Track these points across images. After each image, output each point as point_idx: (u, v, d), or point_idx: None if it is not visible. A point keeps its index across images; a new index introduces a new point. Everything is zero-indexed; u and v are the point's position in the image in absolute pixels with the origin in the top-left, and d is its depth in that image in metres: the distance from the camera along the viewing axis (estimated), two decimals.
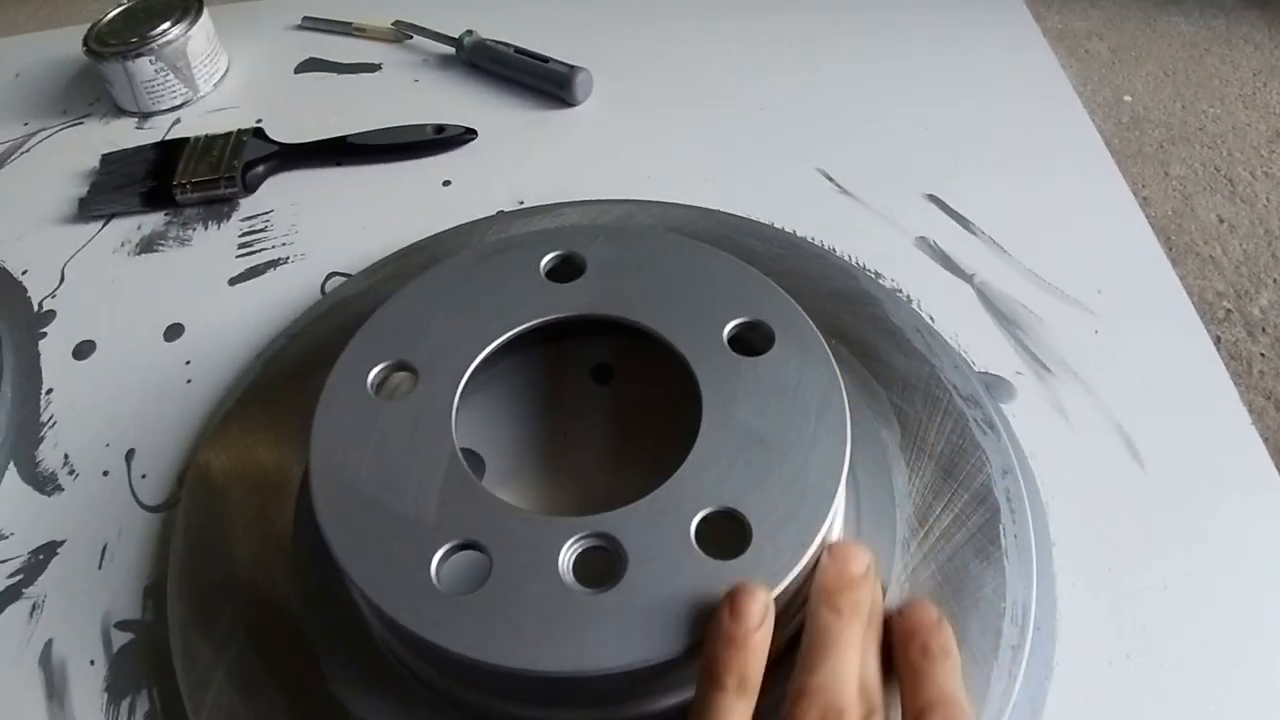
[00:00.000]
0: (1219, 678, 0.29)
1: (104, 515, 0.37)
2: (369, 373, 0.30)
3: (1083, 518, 0.33)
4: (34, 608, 0.34)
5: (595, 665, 0.24)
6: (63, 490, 0.38)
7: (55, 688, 0.32)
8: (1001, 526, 0.31)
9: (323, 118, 0.51)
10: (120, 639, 0.33)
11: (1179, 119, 0.47)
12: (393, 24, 0.55)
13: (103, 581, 0.34)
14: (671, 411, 0.35)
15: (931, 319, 0.38)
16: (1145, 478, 0.34)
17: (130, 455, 0.38)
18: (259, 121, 0.51)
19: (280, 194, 0.48)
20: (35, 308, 0.45)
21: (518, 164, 0.47)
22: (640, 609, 0.25)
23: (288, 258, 0.44)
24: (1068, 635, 0.30)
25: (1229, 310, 0.40)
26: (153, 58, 0.51)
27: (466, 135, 0.48)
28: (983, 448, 0.33)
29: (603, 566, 0.26)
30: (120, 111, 0.55)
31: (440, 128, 0.47)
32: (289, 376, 0.37)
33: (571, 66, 0.48)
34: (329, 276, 0.43)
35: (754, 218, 0.42)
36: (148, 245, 0.46)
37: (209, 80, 0.54)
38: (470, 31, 0.52)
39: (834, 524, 0.27)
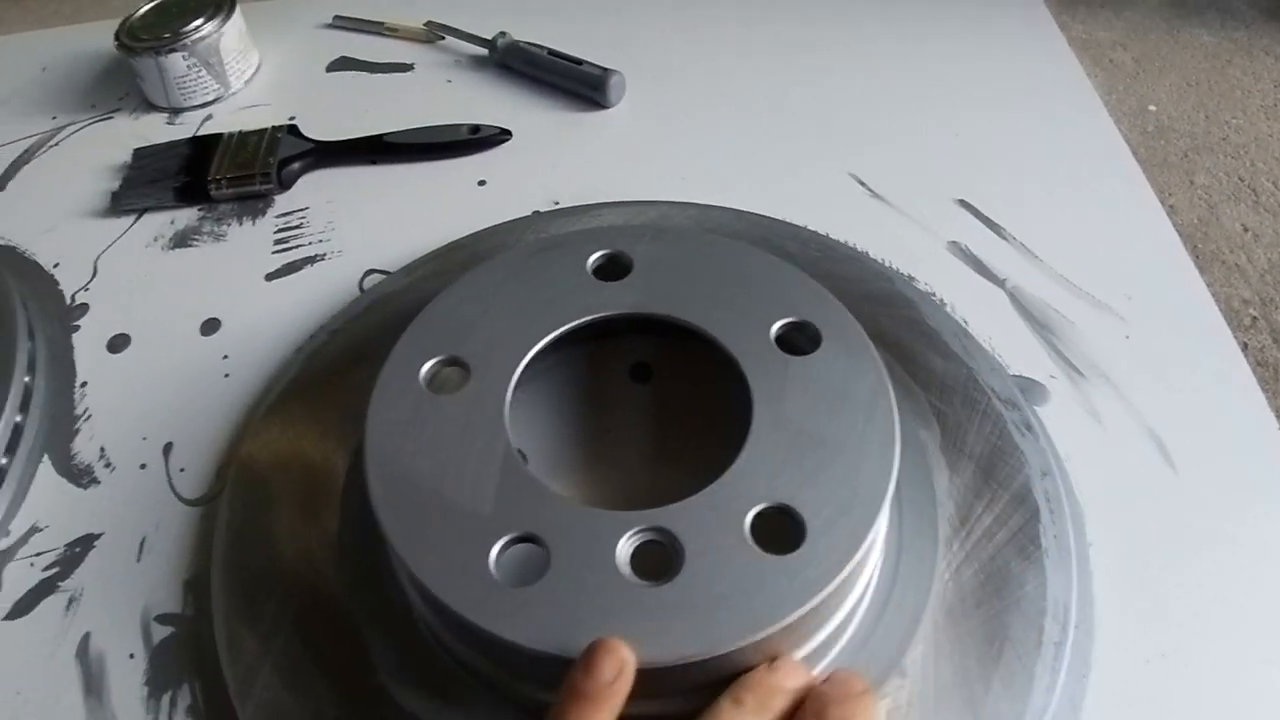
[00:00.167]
0: (1251, 676, 0.29)
1: (142, 508, 0.37)
2: (421, 367, 0.30)
3: (1117, 519, 0.33)
4: (71, 601, 0.34)
5: (656, 657, 0.24)
6: (99, 483, 0.38)
7: (93, 681, 0.32)
8: (1041, 527, 0.32)
9: (355, 116, 0.51)
10: (160, 632, 0.33)
11: (1203, 129, 0.48)
12: (425, 24, 0.55)
13: (141, 575, 0.35)
14: (712, 410, 0.35)
15: (965, 323, 0.38)
16: (1177, 480, 0.34)
17: (168, 449, 0.38)
18: (292, 119, 0.51)
19: (316, 191, 0.48)
20: (68, 300, 0.45)
21: (551, 165, 0.48)
22: (698, 603, 0.25)
23: (325, 254, 0.45)
24: (1104, 634, 0.30)
25: (1255, 318, 0.41)
26: (186, 53, 0.52)
27: (501, 136, 0.48)
28: (1021, 449, 0.33)
29: (659, 560, 0.26)
30: (150, 106, 0.55)
31: (475, 128, 0.47)
32: (331, 371, 0.37)
33: (605, 69, 0.49)
34: (367, 273, 0.43)
35: (788, 221, 0.42)
36: (182, 240, 0.47)
37: (240, 77, 0.54)
38: (504, 33, 0.52)
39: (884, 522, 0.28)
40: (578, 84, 0.49)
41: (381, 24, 0.56)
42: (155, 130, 0.54)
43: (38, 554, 0.36)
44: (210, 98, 0.54)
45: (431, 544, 0.27)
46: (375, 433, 0.29)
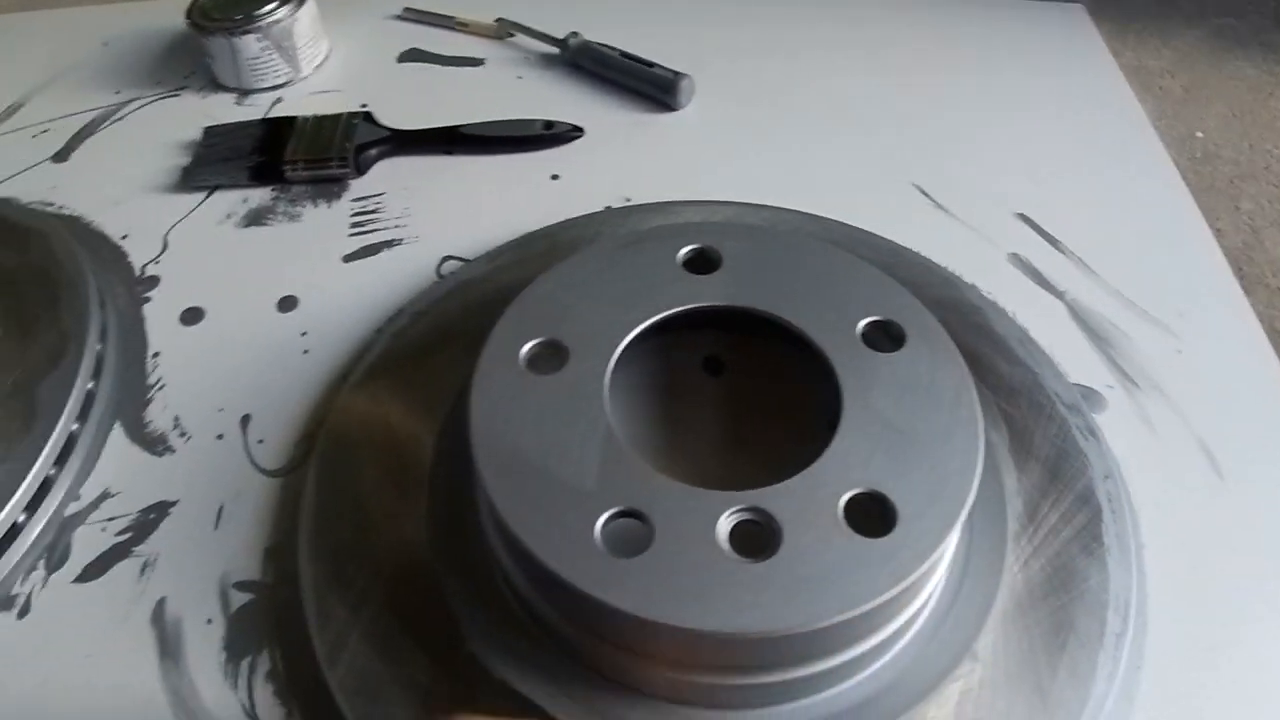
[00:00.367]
0: None
1: (219, 478, 0.37)
2: (521, 348, 0.32)
3: (1168, 522, 0.35)
4: (145, 566, 0.35)
5: (757, 628, 0.26)
6: (174, 451, 0.39)
7: (169, 645, 0.33)
8: (1104, 526, 0.33)
9: (427, 107, 0.52)
10: (239, 599, 0.34)
11: (1247, 157, 0.49)
12: (495, 21, 0.56)
13: (219, 542, 0.35)
14: (783, 403, 0.37)
15: (1026, 331, 0.40)
16: (1225, 488, 0.36)
17: (246, 420, 0.39)
18: (364, 106, 0.52)
19: (391, 178, 0.49)
20: (137, 272, 0.46)
21: (622, 163, 0.49)
22: (795, 579, 0.26)
23: (401, 239, 0.46)
24: (1156, 629, 0.32)
25: None
26: (259, 35, 0.53)
27: (573, 133, 0.49)
28: (1085, 453, 0.35)
29: (756, 538, 0.28)
30: (218, 86, 0.56)
31: (549, 124, 0.49)
32: (417, 351, 0.38)
33: (676, 72, 0.50)
34: (444, 260, 0.44)
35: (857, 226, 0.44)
36: (255, 219, 0.48)
37: (310, 63, 0.56)
38: (575, 33, 0.54)
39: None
40: (648, 86, 0.51)
41: (452, 18, 0.57)
42: (224, 110, 0.55)
43: (109, 519, 0.37)
44: (280, 81, 0.55)
45: (539, 516, 0.28)
46: (479, 409, 0.30)
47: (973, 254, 0.43)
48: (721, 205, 0.44)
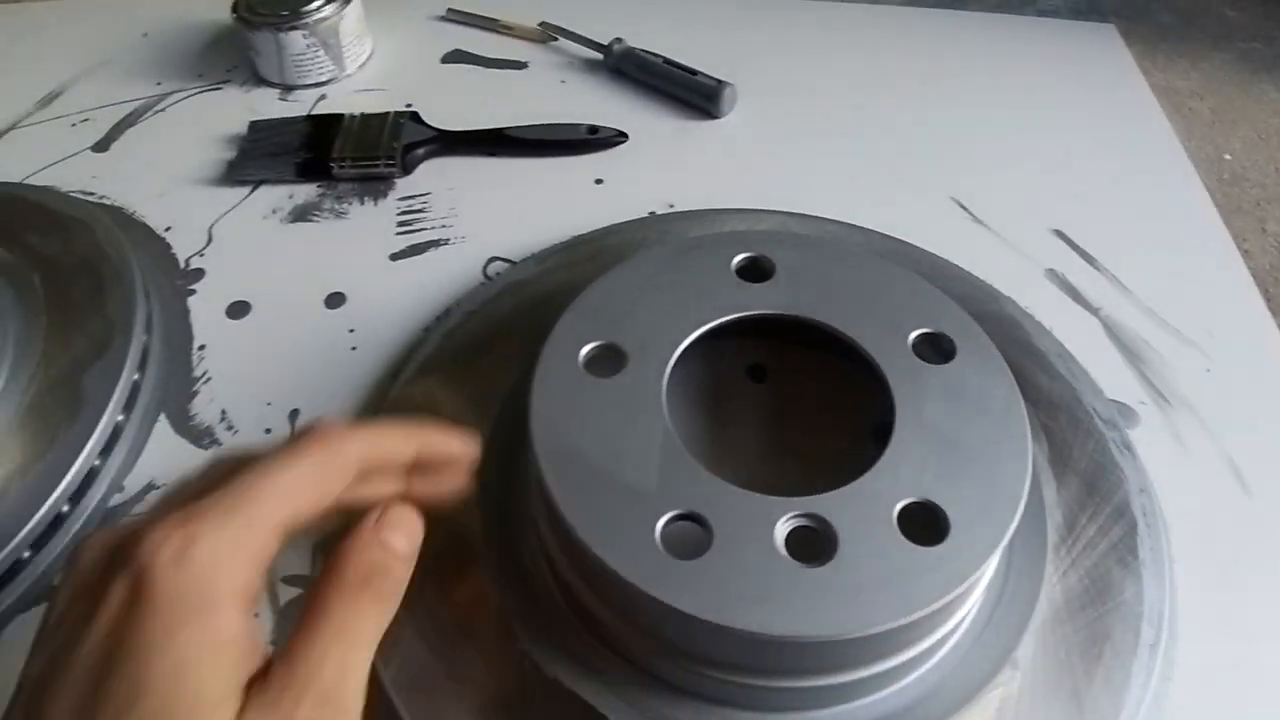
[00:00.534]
0: None
1: None
2: (580, 350, 0.32)
3: (1198, 537, 0.36)
4: None
5: (815, 632, 0.26)
6: (220, 444, 0.39)
7: None
8: (1139, 539, 0.34)
9: (469, 108, 0.53)
10: (288, 593, 0.34)
11: (1274, 180, 0.50)
12: (539, 25, 0.57)
13: None
14: (827, 410, 0.38)
15: (1064, 346, 0.41)
16: (1252, 505, 0.37)
17: (294, 415, 0.40)
18: (408, 106, 0.53)
19: (437, 177, 0.50)
20: (181, 264, 0.47)
21: (665, 169, 0.50)
22: (852, 585, 0.27)
23: (448, 239, 0.46)
24: (1186, 641, 0.33)
25: None
26: (306, 31, 0.53)
27: (618, 138, 0.50)
28: (1121, 467, 0.36)
29: (812, 544, 0.28)
30: (261, 81, 0.57)
31: (594, 128, 0.49)
32: (468, 351, 0.39)
33: (719, 81, 0.51)
34: (490, 260, 0.45)
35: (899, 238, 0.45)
36: (301, 214, 0.48)
37: (355, 61, 0.56)
38: (619, 39, 0.54)
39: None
40: (691, 93, 0.52)
41: (495, 20, 0.58)
42: (267, 105, 0.55)
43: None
44: (324, 78, 0.56)
45: (599, 517, 0.28)
46: (540, 409, 0.31)
47: (1011, 269, 0.44)
48: (766, 214, 0.45)
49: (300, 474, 0.23)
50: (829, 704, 0.30)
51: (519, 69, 0.57)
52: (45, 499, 0.35)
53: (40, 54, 0.61)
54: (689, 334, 0.33)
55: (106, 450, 0.38)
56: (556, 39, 0.57)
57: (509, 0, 0.61)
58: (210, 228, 0.48)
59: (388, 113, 0.51)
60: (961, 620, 0.31)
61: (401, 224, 0.47)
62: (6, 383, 0.39)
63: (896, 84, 0.56)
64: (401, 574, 0.24)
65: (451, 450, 0.28)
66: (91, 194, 0.51)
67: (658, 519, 0.28)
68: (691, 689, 0.30)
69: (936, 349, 0.33)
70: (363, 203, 0.49)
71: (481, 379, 0.38)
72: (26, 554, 0.35)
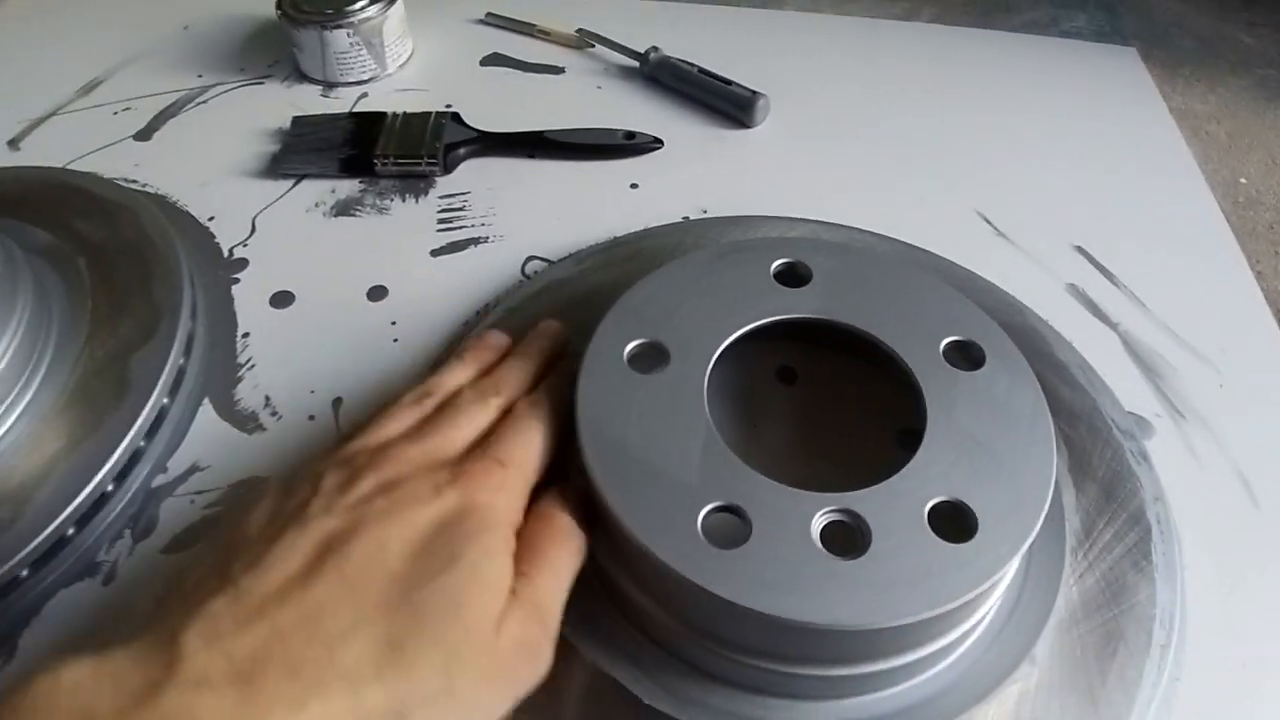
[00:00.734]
0: None
1: (311, 457, 0.39)
2: (625, 347, 0.34)
3: (1207, 545, 0.37)
4: None
5: (849, 622, 0.28)
6: (264, 430, 0.40)
7: None
8: (1153, 545, 0.36)
9: (508, 111, 0.54)
10: None
11: None
12: (576, 31, 0.58)
13: None
14: (855, 413, 0.39)
15: (1085, 358, 0.42)
16: (1259, 515, 0.38)
17: (338, 403, 0.41)
18: (448, 106, 0.54)
19: (476, 177, 0.51)
20: (225, 254, 0.48)
21: (698, 175, 0.51)
22: (884, 578, 0.28)
23: (487, 237, 0.48)
24: (1194, 644, 0.34)
25: None
26: (350, 30, 0.55)
27: (653, 144, 0.51)
28: (1137, 476, 0.37)
29: (847, 538, 0.30)
30: (303, 77, 0.58)
31: (630, 134, 0.51)
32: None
33: (753, 91, 0.52)
34: (528, 259, 0.46)
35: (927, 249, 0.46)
36: (344, 209, 0.50)
37: (396, 61, 0.58)
38: (655, 48, 0.56)
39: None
40: (725, 102, 0.53)
41: (533, 26, 0.59)
42: (309, 101, 0.57)
43: (198, 492, 0.38)
44: (366, 76, 0.57)
45: (643, 506, 0.30)
46: (586, 403, 0.32)
47: (1033, 282, 0.46)
48: (797, 222, 0.46)
49: (548, 447, 0.32)
50: (857, 693, 0.31)
51: (556, 74, 0.58)
52: (91, 478, 0.36)
53: (81, 42, 0.63)
54: (730, 334, 0.34)
55: (151, 432, 0.39)
56: (593, 46, 0.58)
57: (547, 6, 0.62)
58: (254, 219, 0.50)
59: (430, 112, 0.52)
60: (984, 617, 0.32)
61: (442, 221, 0.49)
62: (52, 363, 0.40)
63: (924, 99, 0.58)
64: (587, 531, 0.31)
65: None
66: (134, 181, 0.52)
67: (699, 510, 0.30)
68: (724, 675, 0.31)
69: (966, 356, 0.34)
70: (404, 200, 0.50)
71: None
72: (71, 531, 0.36)
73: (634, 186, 0.51)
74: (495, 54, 0.60)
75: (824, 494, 0.30)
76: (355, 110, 0.55)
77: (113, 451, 0.37)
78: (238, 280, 0.47)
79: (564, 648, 0.32)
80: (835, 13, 0.66)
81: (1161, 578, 0.35)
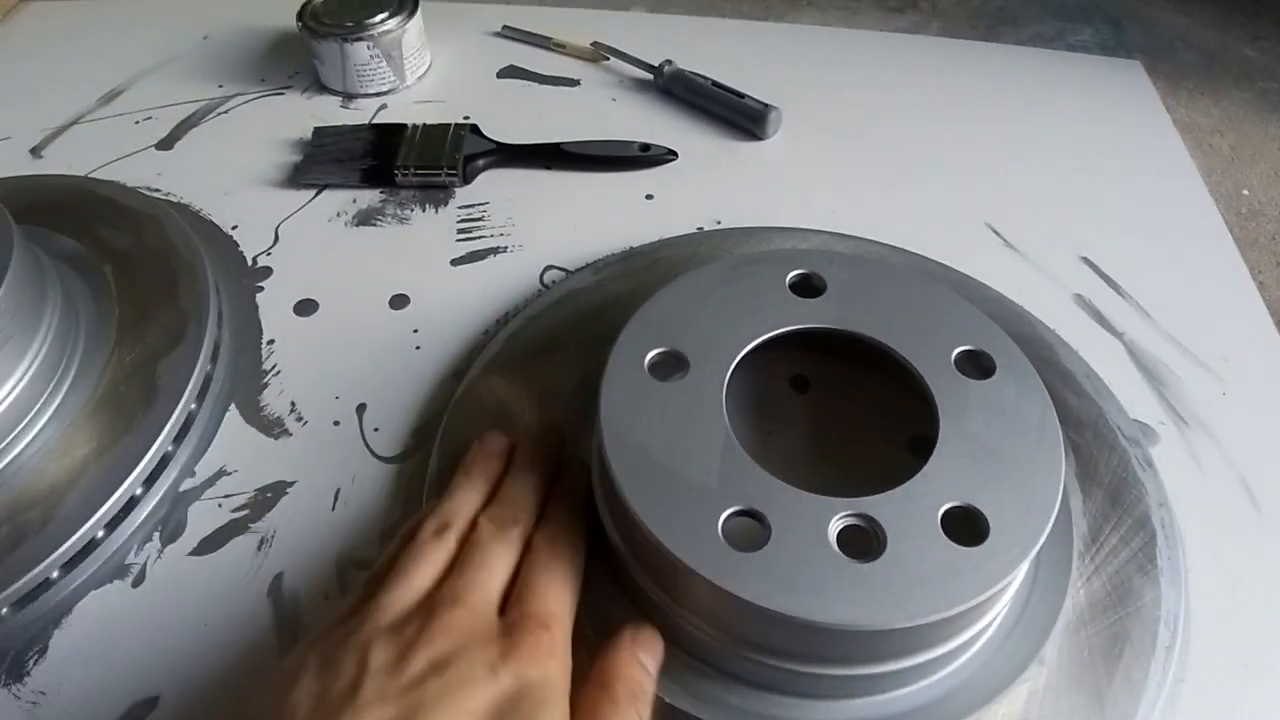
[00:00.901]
0: None
1: (336, 462, 0.40)
2: (645, 355, 0.35)
3: (1210, 549, 0.38)
4: (261, 542, 0.37)
5: (865, 623, 0.29)
6: (290, 435, 0.41)
7: (286, 619, 0.35)
8: (1158, 549, 0.36)
9: (525, 122, 0.55)
10: (359, 577, 0.35)
11: None
12: (591, 44, 0.60)
13: (335, 523, 0.38)
14: (867, 421, 0.40)
15: (1091, 367, 0.43)
16: (1261, 521, 0.39)
17: (362, 409, 0.42)
18: (466, 118, 0.56)
19: (495, 188, 0.52)
20: (249, 262, 0.49)
21: (712, 187, 0.52)
22: (899, 580, 0.29)
23: (506, 247, 0.49)
24: (1197, 646, 0.35)
25: None
26: (370, 43, 0.56)
27: (668, 156, 0.52)
28: (1143, 482, 0.38)
29: (862, 542, 0.31)
30: (323, 88, 0.59)
31: (646, 146, 0.52)
32: (531, 352, 0.42)
33: (766, 104, 0.54)
34: (546, 269, 0.47)
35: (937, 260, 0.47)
36: (365, 219, 0.51)
37: (414, 73, 0.59)
38: (669, 61, 0.57)
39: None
40: (738, 115, 0.54)
41: (549, 39, 0.60)
42: (329, 112, 0.58)
43: (226, 496, 0.39)
44: (385, 88, 0.58)
45: (665, 510, 0.31)
46: (609, 409, 0.33)
47: (1041, 292, 0.47)
48: (810, 233, 0.47)
49: (577, 585, 0.32)
50: (871, 692, 0.32)
51: (572, 86, 0.59)
52: (120, 482, 0.37)
53: (101, 52, 0.64)
54: (747, 343, 0.35)
55: (180, 437, 0.40)
56: (608, 59, 0.60)
57: (562, 20, 0.64)
58: (277, 228, 0.51)
59: (449, 124, 0.53)
60: (994, 619, 0.33)
61: (461, 231, 0.50)
62: (80, 368, 0.41)
63: (932, 111, 0.59)
64: (653, 689, 0.31)
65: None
66: (156, 190, 0.53)
67: (720, 514, 0.31)
68: (742, 675, 0.32)
69: (977, 365, 0.35)
70: (424, 210, 0.51)
71: (545, 379, 0.40)
72: (100, 534, 0.37)
73: (649, 197, 0.52)
74: (512, 66, 0.61)
75: (840, 499, 0.31)
76: (375, 121, 0.56)
77: (142, 456, 0.38)
78: (262, 288, 0.48)
79: (584, 643, 0.33)
80: (845, 26, 0.68)
81: (1166, 581, 0.36)
